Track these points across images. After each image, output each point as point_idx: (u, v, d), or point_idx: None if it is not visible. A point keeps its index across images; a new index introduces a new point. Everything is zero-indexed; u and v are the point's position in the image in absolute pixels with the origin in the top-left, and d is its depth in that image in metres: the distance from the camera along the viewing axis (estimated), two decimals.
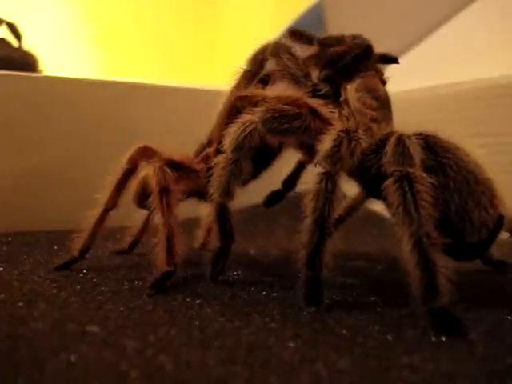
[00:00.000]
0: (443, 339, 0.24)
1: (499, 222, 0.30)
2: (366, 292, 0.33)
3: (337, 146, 0.29)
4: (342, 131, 0.29)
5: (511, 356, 0.22)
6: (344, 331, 0.25)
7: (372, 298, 0.31)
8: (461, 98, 0.57)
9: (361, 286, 0.35)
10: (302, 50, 0.36)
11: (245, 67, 0.37)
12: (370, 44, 0.34)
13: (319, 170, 0.29)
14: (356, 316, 0.28)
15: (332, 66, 0.35)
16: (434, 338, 0.24)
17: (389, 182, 0.28)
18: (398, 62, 0.35)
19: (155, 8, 1.14)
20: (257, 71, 0.36)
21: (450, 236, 0.28)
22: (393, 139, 0.29)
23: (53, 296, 0.30)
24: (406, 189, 0.27)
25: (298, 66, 0.35)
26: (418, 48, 0.74)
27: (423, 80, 0.63)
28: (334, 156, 0.29)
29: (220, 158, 0.32)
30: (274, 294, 0.30)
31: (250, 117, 0.31)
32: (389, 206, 0.28)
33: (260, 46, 0.36)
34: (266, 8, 1.12)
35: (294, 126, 0.31)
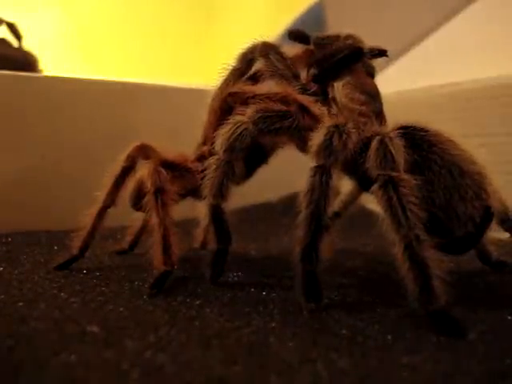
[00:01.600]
0: (443, 339, 0.24)
1: (487, 215, 0.30)
2: (365, 292, 0.33)
3: (329, 139, 0.29)
4: (331, 126, 0.30)
5: (510, 356, 0.22)
6: (344, 331, 0.25)
7: (372, 298, 0.31)
8: (460, 98, 0.57)
9: (361, 285, 0.35)
10: (291, 51, 0.36)
11: (233, 65, 0.37)
12: (360, 46, 0.34)
13: (312, 164, 0.29)
14: (356, 316, 0.28)
15: (320, 66, 0.35)
16: (434, 338, 0.24)
17: (375, 187, 0.28)
18: (387, 55, 0.35)
19: (155, 8, 1.14)
20: (245, 70, 0.36)
21: (437, 231, 0.28)
22: (375, 143, 0.29)
23: (53, 296, 0.30)
24: (392, 193, 0.27)
25: (287, 66, 0.35)
26: (418, 48, 0.74)
27: (423, 80, 0.63)
28: (326, 149, 0.29)
29: (212, 160, 0.32)
30: (274, 295, 0.30)
31: (241, 117, 0.31)
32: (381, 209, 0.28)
33: (249, 45, 0.36)
34: (265, 8, 1.12)
35: (284, 126, 0.31)
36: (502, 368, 0.21)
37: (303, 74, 0.36)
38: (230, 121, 0.32)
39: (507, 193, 0.34)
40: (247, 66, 0.36)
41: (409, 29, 0.75)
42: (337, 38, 0.35)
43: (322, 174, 0.28)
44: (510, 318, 0.28)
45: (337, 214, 0.43)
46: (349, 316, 0.28)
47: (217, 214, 0.32)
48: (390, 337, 0.25)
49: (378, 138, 0.29)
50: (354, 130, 0.30)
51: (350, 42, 0.35)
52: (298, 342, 0.24)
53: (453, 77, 0.59)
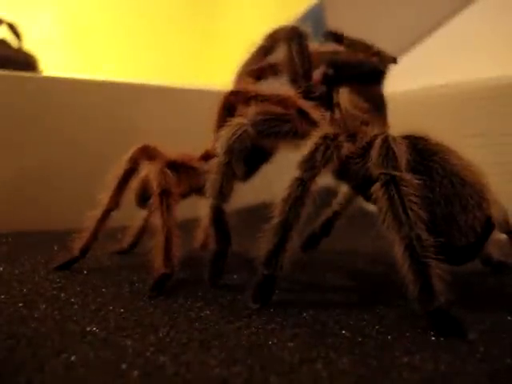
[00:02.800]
0: (443, 339, 0.24)
1: (488, 225, 0.30)
2: (365, 292, 0.33)
3: (312, 153, 0.29)
4: (321, 138, 0.30)
5: (511, 356, 0.22)
6: (344, 331, 0.25)
7: (372, 299, 0.31)
8: (460, 98, 0.57)
9: (360, 286, 0.35)
10: (311, 46, 0.36)
11: (260, 43, 0.37)
12: (383, 71, 0.34)
13: (294, 174, 0.29)
14: (356, 316, 0.28)
15: (338, 69, 0.35)
16: (433, 338, 0.24)
17: (376, 186, 0.28)
18: (396, 62, 0.35)
19: (156, 9, 1.14)
20: (270, 49, 0.37)
21: (439, 238, 0.27)
22: (378, 141, 0.29)
23: (53, 297, 0.30)
24: (393, 192, 0.27)
25: (303, 60, 0.35)
26: (418, 48, 0.74)
27: (423, 80, 0.63)
28: (307, 163, 0.29)
29: (214, 162, 0.32)
30: (274, 296, 0.30)
31: (241, 119, 0.32)
32: (379, 210, 0.28)
33: (280, 27, 0.36)
34: (265, 8, 1.12)
35: (283, 130, 0.32)
36: (502, 368, 0.21)
37: (315, 72, 0.36)
38: (231, 122, 0.32)
39: (507, 193, 0.34)
40: (272, 45, 0.36)
41: (409, 29, 0.75)
42: (368, 48, 0.35)
43: (297, 187, 0.29)
44: (509, 318, 0.28)
45: (336, 214, 0.43)
46: (349, 316, 0.28)
47: (217, 215, 0.32)
48: (389, 337, 0.25)
49: (381, 136, 0.29)
50: (346, 142, 0.31)
51: (376, 60, 0.34)
52: (297, 342, 0.24)
53: (453, 77, 0.59)
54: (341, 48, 0.36)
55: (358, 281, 0.36)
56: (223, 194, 0.32)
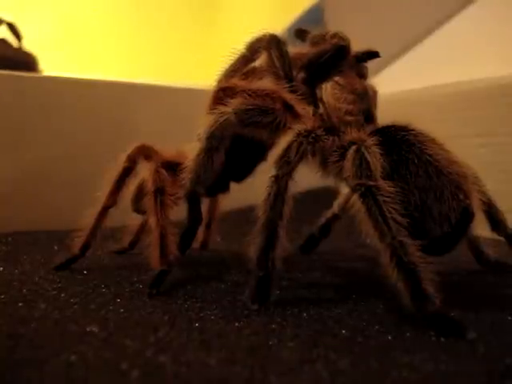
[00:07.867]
0: (443, 339, 0.24)
1: (465, 215, 0.30)
2: (365, 292, 0.33)
3: (286, 150, 0.30)
4: (294, 135, 0.30)
5: (510, 356, 0.22)
6: (344, 331, 0.25)
7: (372, 299, 0.31)
8: (460, 98, 0.57)
9: (361, 286, 0.35)
10: (292, 50, 0.36)
11: (241, 51, 0.37)
12: (343, 44, 0.34)
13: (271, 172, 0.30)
14: (356, 316, 0.28)
15: (307, 70, 0.35)
16: (433, 338, 0.24)
17: (354, 198, 0.28)
18: (379, 56, 0.35)
19: (155, 9, 1.14)
20: (251, 57, 0.37)
21: (415, 232, 0.28)
22: (351, 152, 0.29)
23: (53, 297, 0.30)
24: (371, 203, 0.27)
25: (284, 65, 0.35)
26: (418, 48, 0.74)
27: (423, 80, 0.63)
28: (281, 160, 0.29)
29: (195, 147, 0.33)
30: (273, 297, 0.30)
31: (226, 108, 0.32)
32: (360, 220, 0.28)
33: (259, 35, 0.36)
34: (265, 8, 1.12)
35: (265, 120, 0.32)
36: (502, 368, 0.21)
37: (297, 75, 0.36)
38: (215, 111, 0.32)
39: (507, 192, 0.34)
40: (254, 53, 0.37)
41: (408, 29, 0.75)
42: (323, 37, 0.35)
43: (274, 184, 0.29)
44: (509, 318, 0.28)
45: (336, 216, 0.43)
46: (349, 316, 0.28)
47: (193, 199, 0.33)
48: (390, 337, 0.25)
49: (354, 147, 0.29)
50: (325, 134, 0.31)
51: (335, 40, 0.35)
52: (297, 342, 0.24)
53: (453, 77, 0.60)
54: (304, 47, 0.37)
55: (358, 281, 0.36)
56: (200, 180, 0.32)
